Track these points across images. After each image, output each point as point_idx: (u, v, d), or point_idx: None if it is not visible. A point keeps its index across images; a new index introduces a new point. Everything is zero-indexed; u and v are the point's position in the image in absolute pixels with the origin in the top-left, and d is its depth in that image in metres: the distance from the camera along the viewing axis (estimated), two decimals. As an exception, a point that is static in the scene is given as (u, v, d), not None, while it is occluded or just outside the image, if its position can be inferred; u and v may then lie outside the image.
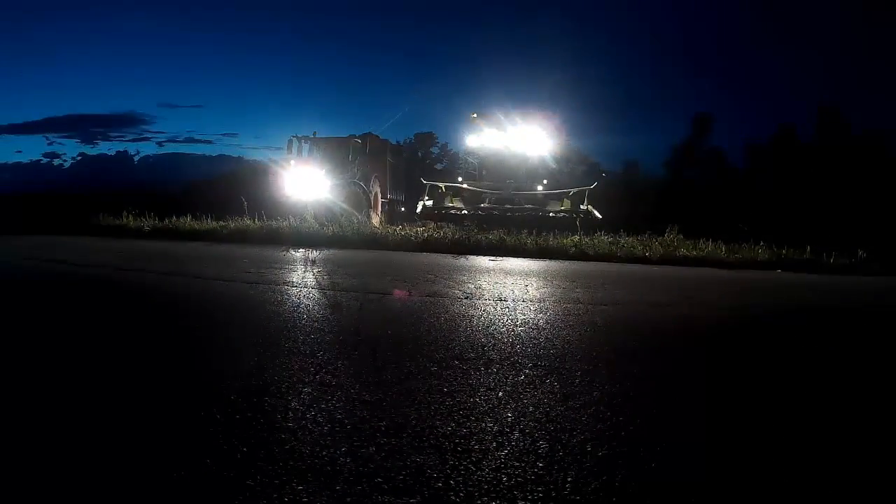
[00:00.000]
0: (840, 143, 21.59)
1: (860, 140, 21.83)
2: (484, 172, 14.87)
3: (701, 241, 9.29)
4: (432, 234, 8.83)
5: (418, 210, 12.77)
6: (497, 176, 14.05)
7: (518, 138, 14.65)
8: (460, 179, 14.41)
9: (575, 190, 12.99)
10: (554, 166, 14.51)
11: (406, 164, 20.19)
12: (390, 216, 15.69)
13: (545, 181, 14.04)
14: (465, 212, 12.52)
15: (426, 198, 12.94)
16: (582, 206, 12.15)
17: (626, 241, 8.91)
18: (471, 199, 13.29)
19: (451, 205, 13.04)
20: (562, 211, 12.25)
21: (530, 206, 12.68)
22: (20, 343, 2.23)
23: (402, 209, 17.44)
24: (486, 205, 12.88)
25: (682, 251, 8.40)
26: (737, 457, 1.37)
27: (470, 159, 16.76)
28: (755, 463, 1.34)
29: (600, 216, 11.72)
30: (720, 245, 9.04)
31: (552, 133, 14.73)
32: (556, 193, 13.27)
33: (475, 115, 14.97)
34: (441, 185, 13.76)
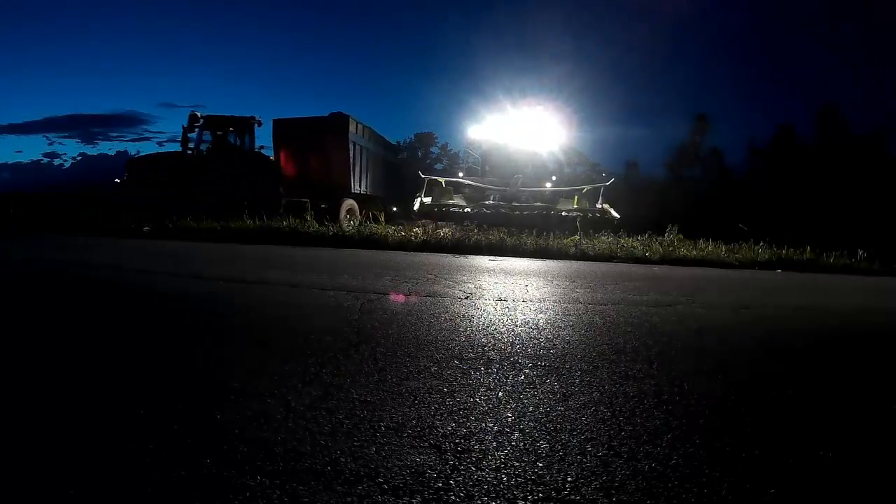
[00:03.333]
0: (840, 144, 21.63)
1: (860, 140, 21.87)
2: (487, 168, 13.72)
3: (701, 241, 9.31)
4: (433, 235, 8.81)
5: (415, 207, 11.58)
6: (502, 171, 12.94)
7: (524, 131, 13.41)
8: (461, 175, 13.29)
9: (589, 187, 12.03)
10: (564, 161, 13.49)
11: (402, 162, 18.29)
12: (360, 215, 13.21)
13: (554, 178, 12.98)
14: (469, 210, 11.47)
15: (423, 194, 11.81)
16: (598, 205, 11.27)
17: (626, 241, 8.92)
18: (474, 196, 12.26)
19: (452, 202, 11.94)
20: (575, 210, 11.28)
21: (540, 204, 11.69)
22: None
23: (395, 209, 15.64)
24: (492, 202, 11.90)
25: (682, 251, 8.40)
26: (738, 457, 1.37)
27: (472, 153, 15.41)
28: (757, 463, 1.34)
29: (618, 216, 10.82)
30: (720, 245, 9.05)
31: (562, 126, 13.55)
32: (568, 191, 12.18)
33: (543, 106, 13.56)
34: (441, 180, 12.65)
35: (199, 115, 12.91)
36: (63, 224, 9.73)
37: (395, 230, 9.20)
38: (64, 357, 1.99)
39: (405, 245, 8.16)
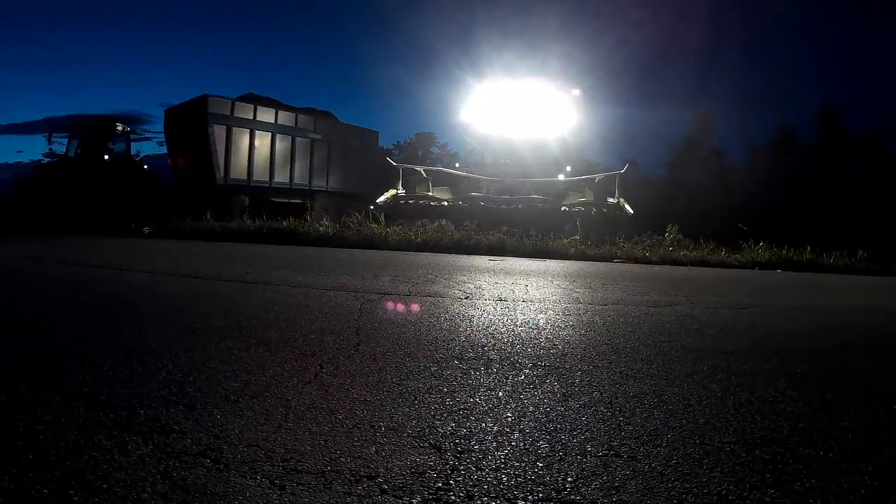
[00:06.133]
0: (839, 145, 21.67)
1: (859, 141, 21.92)
2: (487, 157, 12.13)
3: (701, 241, 9.31)
4: (433, 235, 8.78)
5: (378, 200, 9.93)
6: (503, 161, 11.40)
7: (528, 114, 11.52)
8: (457, 165, 11.93)
9: (601, 176, 10.51)
10: (574, 148, 11.66)
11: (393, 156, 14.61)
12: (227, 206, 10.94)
13: (569, 168, 11.39)
14: (446, 203, 9.87)
15: (399, 186, 10.20)
16: (611, 200, 9.77)
17: (628, 242, 8.92)
18: (467, 188, 10.78)
19: (429, 194, 10.32)
20: (579, 203, 9.78)
21: (539, 197, 10.22)
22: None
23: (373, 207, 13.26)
24: (478, 194, 10.40)
25: (683, 251, 8.41)
26: (739, 457, 1.37)
27: (470, 140, 13.28)
28: (758, 463, 1.34)
29: (632, 211, 9.50)
30: (720, 245, 9.05)
31: (574, 108, 11.63)
32: (576, 181, 10.61)
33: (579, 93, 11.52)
34: (419, 169, 11.04)
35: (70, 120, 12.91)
36: (60, 224, 9.73)
37: (377, 229, 8.86)
38: (62, 353, 1.99)
39: (405, 245, 8.16)
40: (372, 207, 9.71)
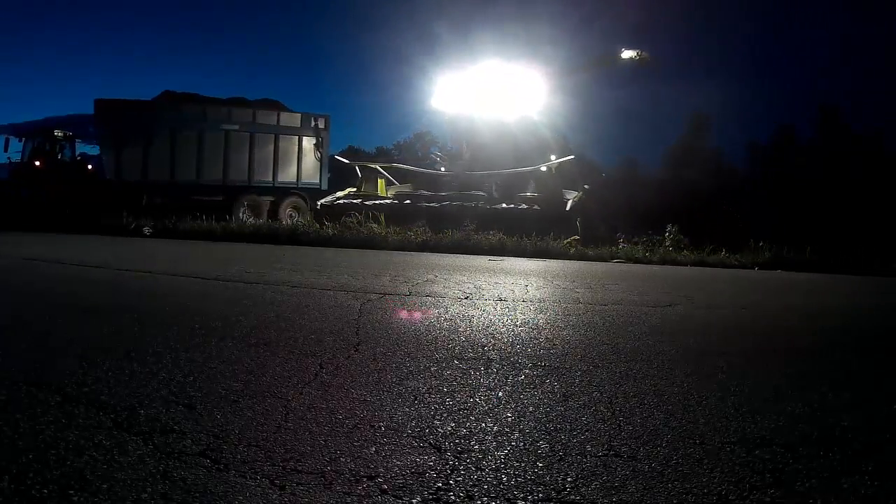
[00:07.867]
0: (839, 143, 21.66)
1: (859, 140, 21.90)
2: (464, 150, 11.95)
3: (701, 241, 9.31)
4: (433, 235, 8.77)
5: (323, 200, 9.87)
6: (473, 149, 11.13)
7: (503, 99, 10.91)
8: (438, 158, 12.10)
9: (557, 162, 9.81)
10: (550, 138, 11.06)
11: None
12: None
13: (553, 157, 10.83)
14: (386, 202, 9.54)
15: (361, 184, 10.26)
16: (570, 195, 9.26)
17: (626, 241, 8.92)
18: (440, 185, 10.45)
19: (376, 193, 10.17)
20: (520, 200, 9.30)
21: (480, 193, 9.80)
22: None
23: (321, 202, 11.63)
24: (425, 193, 10.19)
25: (683, 251, 8.41)
26: (739, 457, 1.37)
27: (447, 129, 13.49)
28: (758, 464, 1.34)
29: (568, 209, 9.09)
30: (720, 245, 9.05)
31: (552, 94, 11.11)
32: (521, 173, 10.05)
33: (640, 54, 10.88)
34: (375, 166, 10.81)
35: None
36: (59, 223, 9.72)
37: (378, 228, 8.78)
38: (62, 353, 1.99)
39: (405, 245, 8.17)
40: (319, 206, 9.49)
